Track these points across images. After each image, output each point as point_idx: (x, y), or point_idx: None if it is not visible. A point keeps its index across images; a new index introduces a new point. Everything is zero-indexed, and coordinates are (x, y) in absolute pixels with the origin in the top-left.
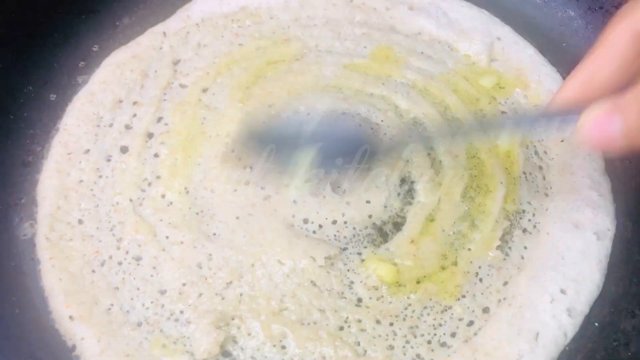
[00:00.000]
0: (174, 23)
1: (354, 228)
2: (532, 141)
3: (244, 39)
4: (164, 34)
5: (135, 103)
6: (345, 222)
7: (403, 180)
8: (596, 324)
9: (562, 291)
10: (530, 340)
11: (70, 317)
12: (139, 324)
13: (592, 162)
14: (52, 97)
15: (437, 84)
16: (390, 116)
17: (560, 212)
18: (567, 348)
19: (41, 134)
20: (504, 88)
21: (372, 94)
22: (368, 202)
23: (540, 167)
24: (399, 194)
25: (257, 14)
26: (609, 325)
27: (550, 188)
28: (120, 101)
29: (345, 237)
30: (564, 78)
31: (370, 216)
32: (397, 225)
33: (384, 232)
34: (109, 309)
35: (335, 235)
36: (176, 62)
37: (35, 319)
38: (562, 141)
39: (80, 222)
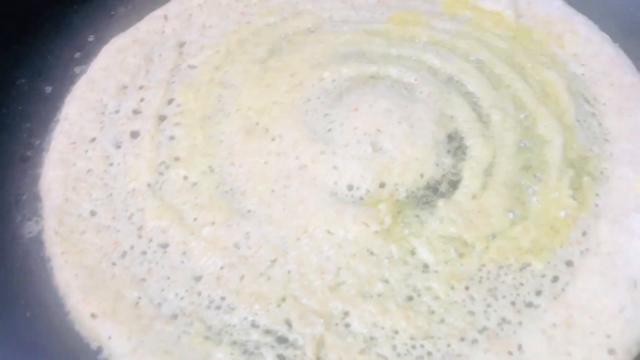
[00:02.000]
0: (174, 6)
1: (407, 190)
2: (579, 89)
3: (251, 17)
4: (165, 17)
5: (141, 87)
6: (395, 185)
7: (450, 137)
8: None
9: None
10: (630, 289)
11: (92, 315)
12: (174, 317)
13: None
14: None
15: (467, 41)
16: (423, 75)
17: (628, 154)
18: None
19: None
20: (538, 40)
21: (399, 55)
22: (417, 159)
23: (594, 114)
24: (448, 151)
25: None
26: None
27: (610, 133)
28: (125, 87)
29: (398, 200)
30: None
31: (422, 175)
32: (454, 184)
33: (440, 192)
34: (137, 302)
35: (386, 199)
36: (181, 45)
37: (51, 321)
38: (611, 85)
39: (92, 213)
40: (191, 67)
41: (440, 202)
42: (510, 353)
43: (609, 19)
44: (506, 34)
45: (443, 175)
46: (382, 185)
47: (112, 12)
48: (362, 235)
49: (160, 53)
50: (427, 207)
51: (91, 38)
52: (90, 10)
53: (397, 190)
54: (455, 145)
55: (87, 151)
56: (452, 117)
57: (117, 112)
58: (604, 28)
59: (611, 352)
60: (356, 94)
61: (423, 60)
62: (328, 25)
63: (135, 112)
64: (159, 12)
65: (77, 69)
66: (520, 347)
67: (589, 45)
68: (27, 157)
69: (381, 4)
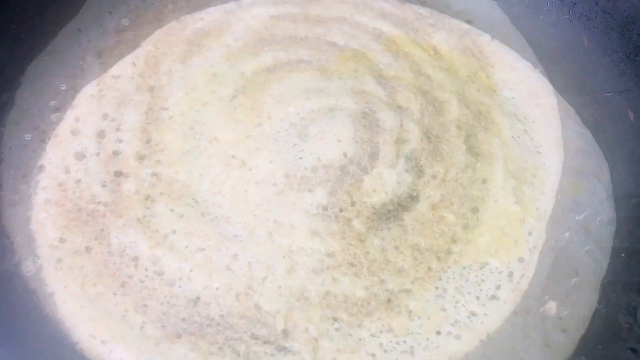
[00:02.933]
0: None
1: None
2: (511, 110)
3: (162, 15)
4: (134, 64)
5: (118, 130)
6: (324, 167)
7: (364, 113)
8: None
9: (534, 175)
10: (519, 226)
11: (103, 342)
12: (179, 336)
13: (568, 118)
14: (27, 136)
15: (409, 73)
16: (332, 54)
17: (557, 163)
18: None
19: (24, 172)
20: (470, 71)
21: (306, 36)
22: (339, 140)
23: (525, 131)
24: (364, 127)
25: (220, 35)
26: None
27: (541, 146)
28: (102, 130)
29: (329, 180)
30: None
31: (345, 154)
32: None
33: (363, 165)
34: (142, 327)
35: (319, 181)
36: (152, 89)
37: (62, 351)
38: (537, 105)
39: (88, 249)
40: (164, 108)
41: (365, 177)
42: (437, 296)
43: (527, 49)
44: (440, 65)
45: (363, 150)
46: (314, 169)
47: (81, 62)
48: (304, 219)
49: (133, 97)
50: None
51: (63, 87)
52: (59, 60)
53: (327, 172)
54: (370, 119)
55: (74, 192)
56: (362, 93)
57: (97, 154)
58: (524, 57)
59: (510, 278)
60: (277, 84)
61: (328, 39)
62: (236, 12)
63: (116, 153)
64: (128, 59)
65: (53, 117)
66: (445, 290)
67: (514, 72)
68: (16, 201)
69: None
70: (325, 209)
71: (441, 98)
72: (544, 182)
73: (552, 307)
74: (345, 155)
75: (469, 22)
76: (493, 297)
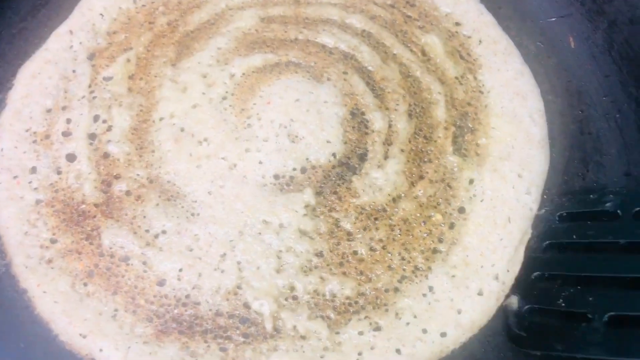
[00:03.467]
0: (76, 19)
1: (323, 171)
2: (455, 46)
3: (153, 17)
4: (70, 32)
5: (65, 108)
6: (313, 167)
7: (353, 114)
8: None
9: (519, 175)
10: (505, 225)
11: (81, 335)
12: (150, 319)
13: (509, 55)
14: (19, 138)
15: (355, 16)
16: (321, 57)
17: (499, 106)
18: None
19: (16, 174)
20: (414, 5)
21: (296, 39)
22: (328, 142)
23: (470, 69)
24: (353, 127)
25: (210, 37)
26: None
27: (483, 86)
28: (49, 110)
29: (317, 181)
30: None
31: (334, 155)
32: (361, 157)
33: (351, 165)
34: (114, 315)
35: (308, 182)
36: (91, 57)
37: (45, 346)
38: (480, 43)
39: (53, 241)
40: (107, 78)
41: (354, 178)
42: (424, 295)
43: None
44: (385, 2)
45: (352, 151)
46: (303, 170)
47: (73, 64)
48: (293, 220)
49: (74, 69)
50: (343, 182)
51: (55, 89)
52: (52, 62)
53: (316, 172)
54: (358, 120)
55: (30, 182)
56: (351, 94)
57: (47, 137)
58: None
59: (496, 277)
60: (266, 86)
61: (318, 42)
62: (227, 15)
63: (65, 134)
64: (63, 29)
65: (45, 118)
66: (431, 289)
67: (458, 5)
68: (8, 202)
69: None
70: (313, 209)
71: (429, 99)
72: (485, 127)
73: (487, 256)
74: (334, 156)
75: (457, 24)
76: (436, 250)
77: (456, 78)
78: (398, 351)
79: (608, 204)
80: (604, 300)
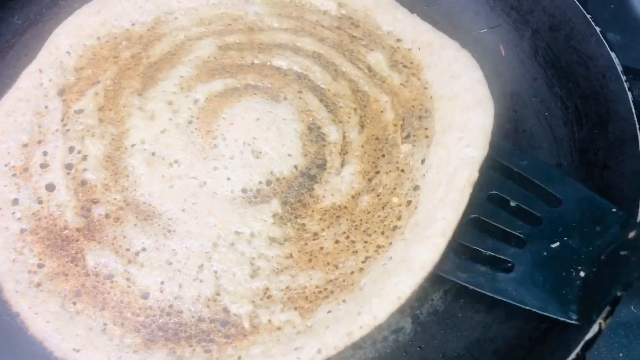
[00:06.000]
0: (44, 58)
1: (287, 182)
2: (398, 59)
3: (117, 51)
4: (40, 70)
5: (40, 142)
6: (277, 179)
7: (310, 128)
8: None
9: (460, 138)
10: (449, 179)
11: (74, 350)
12: (137, 330)
13: (443, 49)
14: None
15: (304, 39)
16: (277, 78)
17: (439, 92)
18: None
19: None
20: (359, 27)
21: (252, 64)
22: (289, 155)
23: (413, 74)
24: (311, 141)
25: (119, 25)
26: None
27: (427, 82)
28: (25, 145)
29: (282, 191)
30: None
31: (295, 167)
32: (321, 166)
33: (312, 175)
34: (104, 329)
35: (274, 193)
36: (62, 92)
37: None
38: (419, 49)
39: (40, 265)
40: (78, 112)
41: (315, 186)
42: (384, 264)
43: None
44: (330, 24)
45: (312, 162)
46: (268, 183)
47: (44, 100)
48: (262, 228)
49: (46, 105)
50: (306, 191)
51: (29, 124)
52: (24, 100)
53: (280, 184)
54: (315, 134)
55: (14, 213)
56: (307, 111)
57: (26, 170)
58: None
59: (442, 220)
60: (228, 109)
61: (273, 64)
62: (186, 45)
63: (43, 166)
64: (32, 67)
65: (22, 152)
66: (390, 258)
67: (397, 23)
68: None
69: (225, 15)
70: (281, 217)
71: (378, 109)
72: (431, 112)
73: (435, 216)
74: (295, 167)
75: (397, 40)
76: (395, 227)
77: (401, 84)
78: (358, 313)
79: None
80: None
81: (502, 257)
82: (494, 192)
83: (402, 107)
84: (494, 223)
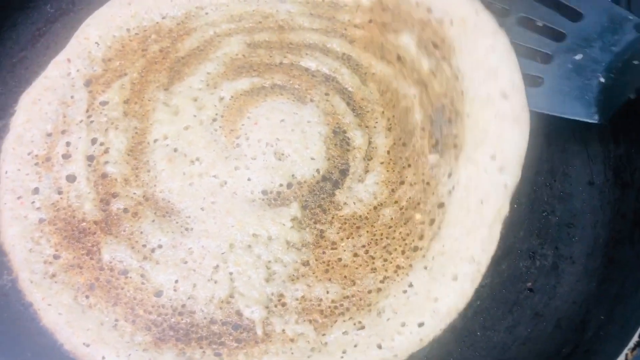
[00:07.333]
0: (73, 48)
1: (308, 186)
2: (429, 36)
3: (146, 44)
4: (68, 60)
5: (64, 132)
6: (298, 183)
7: (335, 132)
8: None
9: (492, 157)
10: (478, 207)
11: (85, 344)
12: (148, 328)
13: (479, 31)
14: (22, 161)
15: (334, 40)
16: (304, 79)
17: (471, 90)
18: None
19: (19, 194)
20: (390, 9)
21: (281, 63)
22: (312, 158)
23: (443, 57)
24: (335, 145)
25: (149, 17)
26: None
27: (459, 71)
28: (49, 134)
29: (303, 195)
30: None
31: (318, 171)
32: (343, 172)
33: (334, 180)
34: (115, 325)
35: (294, 197)
36: (88, 83)
37: (50, 355)
38: (451, 24)
39: (56, 257)
40: (103, 103)
41: (337, 192)
42: (404, 292)
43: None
44: (363, 19)
45: (334, 167)
46: (289, 186)
47: (71, 90)
48: (280, 232)
49: (72, 95)
50: (327, 196)
51: (55, 114)
52: (51, 89)
53: (301, 187)
54: (340, 138)
55: (33, 202)
56: (333, 114)
57: (48, 159)
58: None
59: (470, 259)
60: (254, 108)
61: (301, 65)
62: (215, 41)
63: (65, 156)
64: (61, 57)
65: (46, 142)
66: (411, 285)
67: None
68: (13, 221)
69: (257, 13)
70: (300, 222)
71: (406, 106)
72: (461, 116)
73: (462, 241)
74: (317, 171)
75: (428, 11)
76: (416, 248)
77: (431, 71)
78: (379, 346)
79: None
80: None
81: (532, 73)
82: (522, 14)
83: (431, 105)
84: (523, 44)
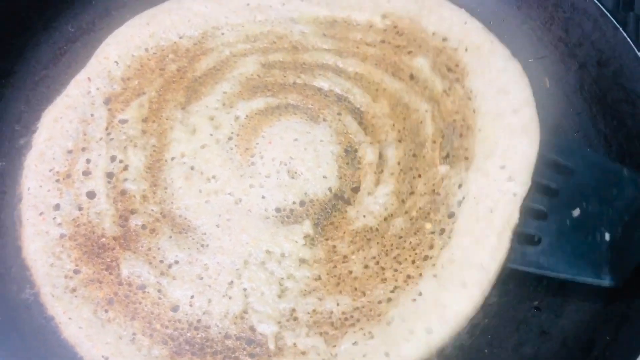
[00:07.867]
0: (93, 67)
1: (320, 204)
2: (443, 60)
3: (164, 64)
4: (89, 79)
5: (84, 149)
6: (311, 201)
7: (347, 151)
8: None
9: (502, 167)
10: (487, 216)
11: (103, 357)
12: (165, 342)
13: (492, 54)
14: (44, 178)
15: (346, 60)
16: (317, 99)
17: (484, 108)
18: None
19: (41, 210)
20: (403, 33)
21: (294, 83)
22: (325, 177)
23: (457, 79)
24: (347, 163)
25: (167, 37)
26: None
27: (471, 92)
28: (70, 151)
29: (315, 213)
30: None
31: (330, 189)
32: (355, 189)
33: (346, 198)
34: (133, 338)
35: (307, 214)
36: (107, 101)
37: None
38: (466, 51)
39: (76, 272)
40: (122, 121)
41: (348, 208)
42: (414, 300)
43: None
44: (375, 39)
45: (346, 185)
46: (302, 204)
47: (91, 108)
48: (293, 249)
49: (92, 113)
50: (339, 213)
51: (75, 131)
52: (72, 107)
53: (314, 205)
54: (352, 157)
55: (54, 218)
56: (345, 133)
57: (69, 176)
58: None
59: (479, 267)
60: (268, 127)
61: (314, 85)
62: (230, 62)
63: (85, 173)
64: (82, 75)
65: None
66: (420, 293)
67: (443, 22)
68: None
69: (271, 33)
70: (312, 239)
71: (417, 119)
72: (473, 129)
73: (470, 249)
74: (330, 190)
75: (444, 40)
76: (426, 257)
77: (444, 91)
78: (387, 354)
79: None
80: None
81: (527, 231)
82: None
83: (443, 120)
84: None
